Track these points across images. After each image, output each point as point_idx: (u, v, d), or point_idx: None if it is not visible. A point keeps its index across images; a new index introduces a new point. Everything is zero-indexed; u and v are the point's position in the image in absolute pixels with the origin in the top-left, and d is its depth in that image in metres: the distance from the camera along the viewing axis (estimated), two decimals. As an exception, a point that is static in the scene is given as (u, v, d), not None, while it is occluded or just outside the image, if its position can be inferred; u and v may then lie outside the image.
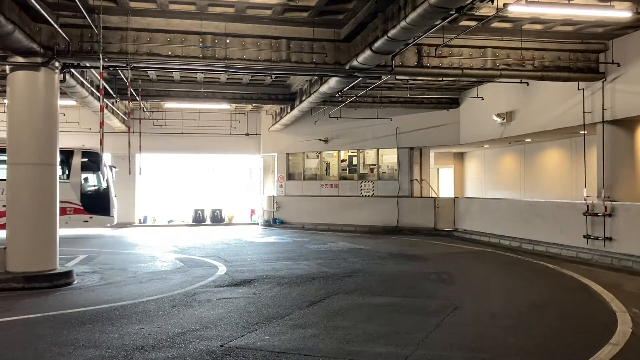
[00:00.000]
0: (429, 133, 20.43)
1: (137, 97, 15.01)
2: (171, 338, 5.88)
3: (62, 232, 10.67)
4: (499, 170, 22.16)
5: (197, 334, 6.06)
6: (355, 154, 22.49)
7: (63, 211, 17.44)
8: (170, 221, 23.95)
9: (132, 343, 5.70)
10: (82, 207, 17.83)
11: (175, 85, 17.35)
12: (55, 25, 9.13)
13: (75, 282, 9.43)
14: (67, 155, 17.98)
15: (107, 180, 18.56)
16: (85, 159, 18.26)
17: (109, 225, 18.96)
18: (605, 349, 5.46)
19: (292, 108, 18.45)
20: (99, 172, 18.48)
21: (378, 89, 16.82)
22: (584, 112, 12.93)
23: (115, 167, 19.55)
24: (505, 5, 8.86)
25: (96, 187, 18.83)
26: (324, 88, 13.66)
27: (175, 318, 6.83)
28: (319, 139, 22.37)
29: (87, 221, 17.93)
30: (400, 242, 16.11)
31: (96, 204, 18.24)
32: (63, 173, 18.31)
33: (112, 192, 18.62)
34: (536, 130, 15.45)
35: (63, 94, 12.15)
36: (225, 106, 20.70)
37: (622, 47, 12.12)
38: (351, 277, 9.84)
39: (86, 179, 18.59)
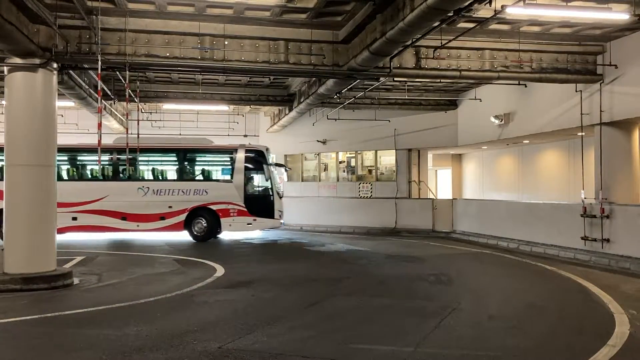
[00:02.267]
0: (427, 135, 20.47)
1: (135, 99, 14.98)
2: (169, 339, 5.88)
3: (58, 236, 10.65)
4: (496, 171, 22.21)
5: (195, 335, 6.05)
6: (354, 155, 22.51)
7: (226, 213, 16.70)
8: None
9: (131, 344, 5.69)
10: (245, 209, 16.72)
11: (174, 87, 17.32)
12: (53, 27, 9.13)
13: (73, 283, 9.40)
14: (229, 153, 17.20)
15: (272, 180, 17.15)
16: (250, 157, 17.12)
17: (274, 228, 17.82)
18: (602, 350, 5.47)
19: (291, 109, 18.45)
20: (264, 172, 17.07)
21: (376, 91, 16.84)
22: (581, 113, 12.96)
23: (285, 167, 17.86)
24: (503, 7, 8.86)
25: (261, 188, 17.50)
26: (323, 89, 13.66)
27: (173, 320, 6.82)
28: (318, 140, 22.39)
29: (250, 224, 16.78)
30: (398, 243, 16.10)
31: (260, 205, 16.93)
32: (226, 173, 17.50)
33: (278, 193, 17.38)
34: (534, 131, 15.49)
35: (61, 95, 12.13)
36: (223, 107, 20.70)
37: (619, 49, 12.15)
38: (349, 279, 9.84)
39: (250, 179, 17.33)
